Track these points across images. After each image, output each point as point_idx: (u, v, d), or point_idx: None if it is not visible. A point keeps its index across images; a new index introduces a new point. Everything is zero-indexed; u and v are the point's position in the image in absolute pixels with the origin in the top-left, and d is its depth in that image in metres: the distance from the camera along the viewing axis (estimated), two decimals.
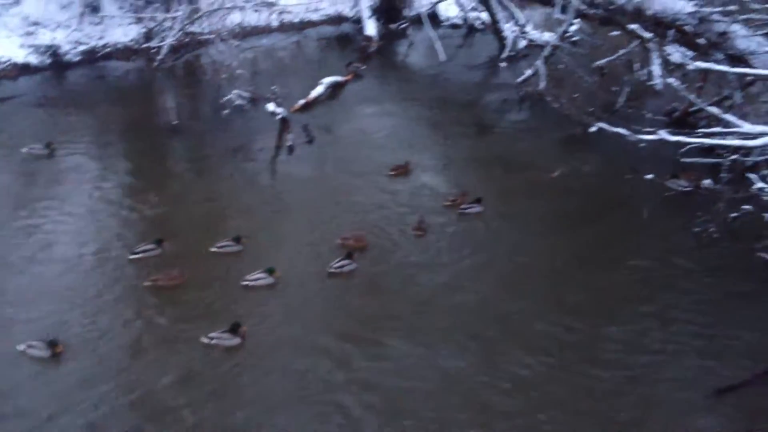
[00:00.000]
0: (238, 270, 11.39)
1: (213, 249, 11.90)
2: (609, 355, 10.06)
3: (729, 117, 9.62)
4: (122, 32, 21.46)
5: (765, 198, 9.96)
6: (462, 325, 10.50)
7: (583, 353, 10.06)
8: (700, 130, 10.28)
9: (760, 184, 9.16)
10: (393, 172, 14.79)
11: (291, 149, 15.82)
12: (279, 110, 16.19)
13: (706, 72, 14.91)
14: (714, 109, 9.88)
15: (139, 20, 21.61)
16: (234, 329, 9.89)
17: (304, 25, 24.81)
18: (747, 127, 9.66)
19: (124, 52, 21.20)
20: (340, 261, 11.60)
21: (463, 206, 13.45)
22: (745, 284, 11.45)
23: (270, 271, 11.19)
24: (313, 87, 18.94)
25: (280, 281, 11.19)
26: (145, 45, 20.90)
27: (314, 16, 25.17)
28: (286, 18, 24.01)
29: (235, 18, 21.22)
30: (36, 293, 10.84)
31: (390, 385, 9.39)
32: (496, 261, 12.10)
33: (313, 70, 20.56)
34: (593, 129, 10.89)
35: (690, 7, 14.57)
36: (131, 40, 21.34)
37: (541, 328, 10.50)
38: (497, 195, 13.98)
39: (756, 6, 12.30)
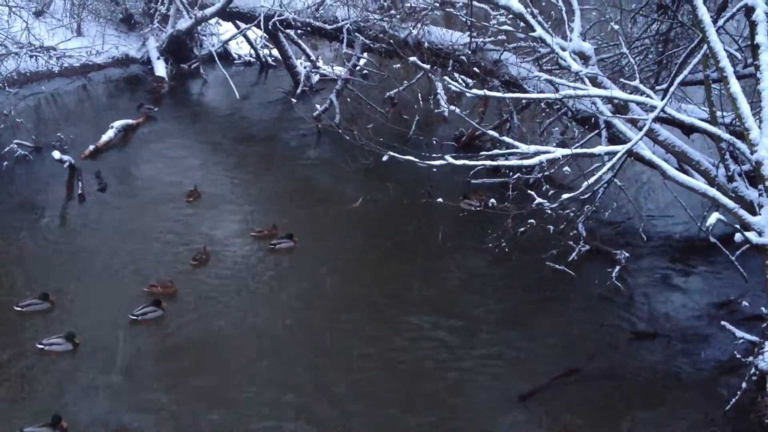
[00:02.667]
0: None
1: (17, 307, 11.19)
2: (417, 368, 10.36)
3: (507, 139, 10.30)
4: None
5: (545, 212, 10.77)
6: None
7: (391, 367, 10.33)
8: (483, 153, 10.87)
9: (539, 200, 9.87)
10: (188, 199, 15.00)
11: (82, 197, 15.06)
12: (66, 158, 15.35)
13: (485, 98, 15.89)
14: (494, 133, 10.51)
15: None
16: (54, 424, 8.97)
17: (88, 69, 23.66)
18: (524, 147, 10.32)
19: None
20: (143, 308, 11.18)
21: (273, 241, 13.42)
22: (538, 293, 12.31)
23: (69, 338, 10.45)
24: (103, 131, 18.16)
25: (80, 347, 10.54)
26: None
27: (99, 59, 24.11)
28: (68, 62, 22.80)
29: (10, 65, 19.93)
30: None
31: None
32: (309, 294, 12.11)
33: (102, 114, 19.76)
34: (385, 158, 11.23)
35: (465, 38, 15.55)
36: None
37: (355, 351, 10.63)
38: (303, 227, 14.04)
39: (521, 35, 13.32)
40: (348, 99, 18.86)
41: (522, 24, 12.02)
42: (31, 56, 21.13)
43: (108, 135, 18.15)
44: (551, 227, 12.58)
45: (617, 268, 12.40)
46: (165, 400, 9.63)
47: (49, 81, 22.13)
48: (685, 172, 11.43)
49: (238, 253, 13.31)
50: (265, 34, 23.94)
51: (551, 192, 12.07)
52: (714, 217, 8.09)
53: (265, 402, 9.67)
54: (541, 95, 12.06)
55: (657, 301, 12.07)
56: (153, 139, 18.87)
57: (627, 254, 12.76)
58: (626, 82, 10.83)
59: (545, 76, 11.71)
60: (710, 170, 10.69)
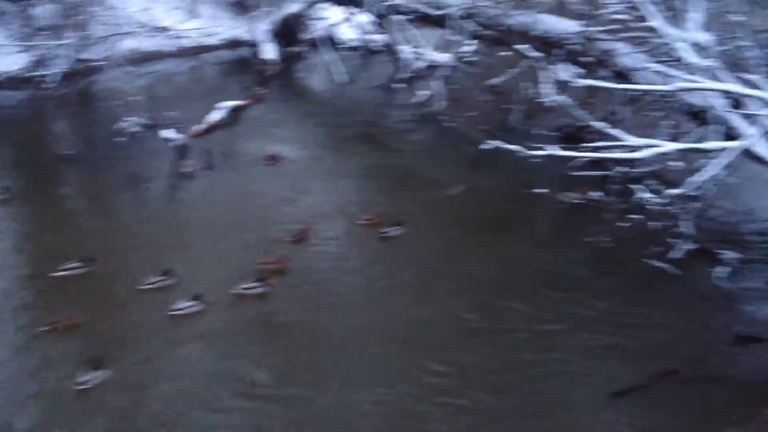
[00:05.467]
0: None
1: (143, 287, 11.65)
2: (512, 359, 10.31)
3: (614, 131, 10.07)
4: (12, 61, 20.69)
5: (649, 207, 10.46)
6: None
7: (487, 355, 10.33)
8: (587, 145, 10.69)
9: (643, 195, 9.61)
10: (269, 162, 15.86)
11: (191, 175, 15.64)
12: (176, 135, 15.95)
13: (594, 89, 15.51)
14: (600, 124, 10.30)
15: (29, 48, 20.90)
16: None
17: (200, 50, 24.51)
18: (632, 140, 10.10)
19: (15, 81, 20.41)
20: (252, 282, 11.57)
21: (383, 229, 13.44)
22: (639, 290, 11.90)
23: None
24: (212, 111, 18.79)
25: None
26: (35, 73, 20.23)
27: (211, 41, 24.92)
28: (182, 43, 23.68)
29: (129, 44, 20.82)
30: None
31: None
32: (418, 282, 12.09)
33: (212, 95, 20.36)
34: (488, 146, 11.18)
35: (576, 27, 15.21)
36: (21, 69, 20.52)
37: (458, 338, 10.65)
38: (405, 213, 14.07)
39: (635, 25, 12.92)
40: (452, 86, 18.80)
41: (637, 13, 11.69)
42: (149, 36, 22.03)
43: (217, 115, 18.75)
44: (656, 224, 12.22)
45: (724, 268, 11.93)
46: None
47: (163, 61, 23.11)
48: None
49: (343, 235, 13.45)
50: (373, 19, 24.08)
51: (657, 187, 11.72)
52: None
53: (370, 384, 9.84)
54: (653, 87, 11.69)
55: (764, 306, 11.55)
56: (260, 120, 19.36)
57: (736, 255, 12.24)
58: (745, 75, 10.36)
59: (658, 67, 11.38)
60: None
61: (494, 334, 10.84)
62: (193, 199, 14.96)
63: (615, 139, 10.37)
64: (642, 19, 11.12)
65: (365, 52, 26.52)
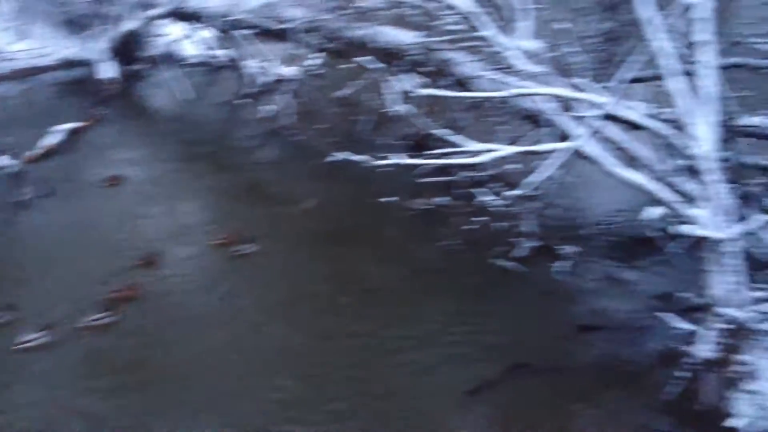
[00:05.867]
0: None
1: None
2: (364, 366, 10.38)
3: (456, 138, 10.42)
4: None
5: (493, 209, 10.88)
6: None
7: (340, 364, 10.31)
8: (432, 152, 10.98)
9: (485, 197, 9.99)
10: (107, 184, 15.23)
11: (28, 204, 14.76)
12: (11, 163, 15.04)
13: (436, 97, 15.94)
14: (443, 131, 10.64)
15: None
16: None
17: (34, 72, 23.09)
18: (471, 145, 10.47)
19: None
20: (98, 314, 11.09)
21: (235, 248, 13.19)
22: (488, 289, 12.31)
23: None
24: (48, 135, 17.83)
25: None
26: None
27: (44, 61, 23.60)
28: (13, 65, 22.33)
29: None
30: None
31: None
32: (272, 298, 12.01)
33: (48, 118, 19.25)
34: (336, 158, 11.26)
35: (415, 38, 15.62)
36: None
37: (311, 346, 10.63)
38: (257, 230, 13.90)
39: (470, 35, 13.42)
40: (300, 100, 18.81)
41: (472, 23, 12.15)
42: None
43: (54, 138, 17.81)
44: (500, 224, 12.75)
45: (564, 263, 12.61)
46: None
47: None
48: (631, 168, 11.68)
49: (194, 257, 13.14)
50: (216, 34, 23.71)
51: (500, 189, 12.26)
52: (653, 210, 8.29)
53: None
54: (489, 94, 12.21)
55: (603, 295, 12.27)
56: (100, 141, 18.53)
57: (574, 250, 12.96)
58: (573, 80, 11.00)
59: (493, 74, 11.90)
60: (653, 165, 10.92)
61: (343, 351, 10.81)
62: (32, 229, 14.10)
63: (457, 145, 10.69)
64: (476, 29, 11.57)
65: (209, 68, 26.00)
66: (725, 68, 13.66)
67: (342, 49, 16.51)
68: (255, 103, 21.30)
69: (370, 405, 9.74)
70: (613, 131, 11.36)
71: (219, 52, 26.67)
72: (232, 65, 24.73)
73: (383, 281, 12.52)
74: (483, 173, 14.07)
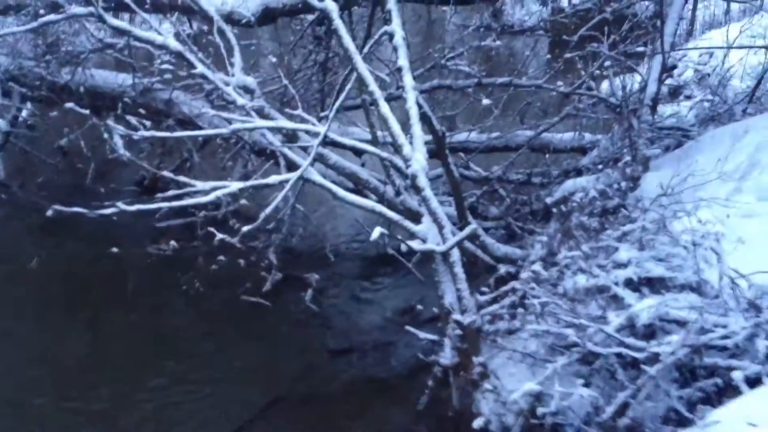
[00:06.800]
0: None
1: None
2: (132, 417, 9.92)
3: (182, 178, 10.12)
4: None
5: (238, 246, 10.60)
6: None
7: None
8: (159, 195, 10.57)
9: (221, 236, 9.81)
10: None
11: None
12: None
13: (164, 138, 15.51)
14: (169, 174, 10.31)
15: None
16: None
17: None
18: (199, 184, 10.23)
19: None
20: None
21: None
22: (237, 327, 12.19)
23: None
24: None
25: None
26: None
27: None
28: None
29: None
30: None
31: None
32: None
33: None
34: (58, 212, 10.47)
35: (129, 80, 15.06)
36: None
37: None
38: None
39: (187, 73, 13.17)
40: (12, 153, 17.34)
41: (186, 62, 11.93)
42: None
43: None
44: (246, 260, 12.60)
45: (310, 291, 12.78)
46: None
47: None
48: (360, 191, 12.13)
49: None
50: None
51: (240, 225, 12.09)
52: (377, 231, 8.61)
53: None
54: (212, 131, 12.06)
55: (350, 317, 12.66)
56: None
57: (317, 276, 13.18)
58: (292, 111, 11.16)
59: (213, 112, 11.79)
60: (379, 187, 11.43)
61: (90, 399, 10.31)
62: None
63: (186, 185, 10.40)
64: (191, 67, 11.39)
65: None
66: (431, 90, 14.82)
67: (54, 96, 15.42)
68: None
69: None
70: (340, 156, 11.72)
71: None
72: None
73: (120, 337, 11.95)
74: (223, 211, 13.89)
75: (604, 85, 16.00)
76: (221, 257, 12.25)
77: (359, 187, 12.29)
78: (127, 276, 13.24)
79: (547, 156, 14.84)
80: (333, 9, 9.86)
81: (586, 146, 14.39)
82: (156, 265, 14.26)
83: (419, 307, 12.08)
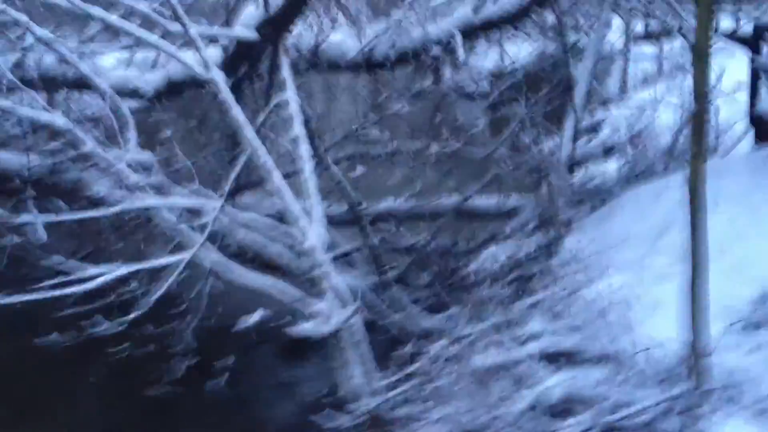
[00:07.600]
0: None
1: None
2: None
3: (72, 263, 9.45)
4: None
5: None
6: None
7: None
8: (45, 284, 9.83)
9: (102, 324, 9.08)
10: None
11: None
12: None
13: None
14: (58, 259, 9.64)
15: None
16: None
17: None
18: (88, 271, 9.56)
19: None
20: None
21: None
22: (142, 424, 11.37)
23: None
24: None
25: None
26: None
27: None
28: None
29: None
30: None
31: None
32: None
33: None
34: None
35: (35, 161, 14.32)
36: None
37: None
38: None
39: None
40: None
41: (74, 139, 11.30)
42: None
43: None
44: (154, 347, 11.78)
45: (222, 377, 11.93)
46: None
47: None
48: (272, 266, 11.45)
49: None
50: None
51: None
52: (257, 314, 8.03)
53: None
54: (99, 212, 11.14)
55: (263, 403, 11.95)
56: None
57: (231, 361, 12.34)
58: (189, 187, 10.56)
59: (109, 189, 11.16)
60: (283, 264, 10.79)
61: None
62: None
63: (71, 272, 9.70)
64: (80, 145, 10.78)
65: None
66: (348, 158, 14.34)
67: None
68: None
69: None
70: (242, 234, 11.09)
71: None
72: None
73: None
74: (130, 295, 13.11)
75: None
76: (129, 345, 11.47)
77: (269, 262, 11.63)
78: (21, 371, 12.35)
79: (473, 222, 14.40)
80: (220, 80, 9.34)
81: (510, 210, 13.97)
82: (60, 356, 13.38)
83: (330, 391, 11.32)
